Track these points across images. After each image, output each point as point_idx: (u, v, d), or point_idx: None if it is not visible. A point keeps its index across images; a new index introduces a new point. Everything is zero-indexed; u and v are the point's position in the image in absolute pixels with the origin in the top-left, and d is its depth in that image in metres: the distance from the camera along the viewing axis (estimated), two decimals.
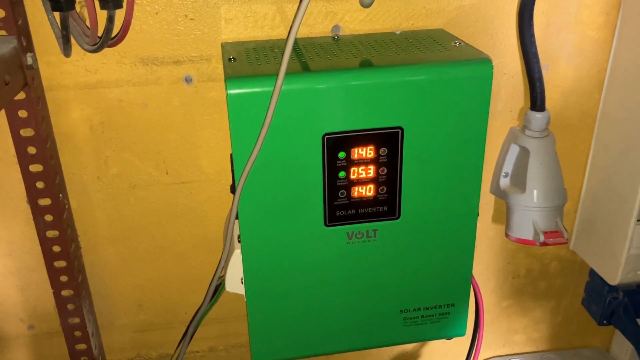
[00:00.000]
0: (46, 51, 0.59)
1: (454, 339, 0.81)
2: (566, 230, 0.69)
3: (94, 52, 0.49)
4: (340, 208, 0.57)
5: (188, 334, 0.69)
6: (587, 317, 0.85)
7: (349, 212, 0.58)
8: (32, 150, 0.60)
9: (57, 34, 0.51)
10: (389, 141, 0.55)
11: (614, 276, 0.73)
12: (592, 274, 0.82)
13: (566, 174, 0.75)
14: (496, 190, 0.74)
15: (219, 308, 0.73)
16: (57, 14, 0.52)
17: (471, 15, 0.65)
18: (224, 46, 0.61)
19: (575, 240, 0.81)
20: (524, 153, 0.70)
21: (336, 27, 0.63)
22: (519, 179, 0.70)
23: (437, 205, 0.59)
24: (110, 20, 0.44)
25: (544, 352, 0.91)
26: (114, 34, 0.50)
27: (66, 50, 0.47)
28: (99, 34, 0.48)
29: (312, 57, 0.57)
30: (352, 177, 0.56)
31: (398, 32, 0.63)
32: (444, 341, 0.84)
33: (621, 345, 0.89)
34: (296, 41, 0.61)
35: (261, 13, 0.61)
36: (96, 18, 0.46)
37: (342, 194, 0.57)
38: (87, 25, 0.51)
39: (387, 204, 0.58)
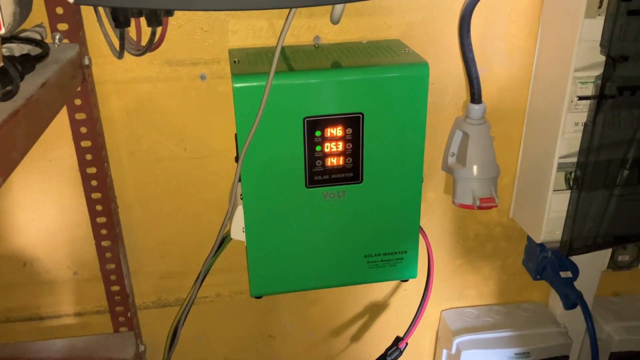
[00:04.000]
0: (95, 54, 0.77)
1: (415, 291, 1.00)
2: (498, 197, 0.87)
3: (138, 56, 0.68)
4: (317, 174, 0.76)
5: (199, 278, 0.87)
6: (528, 276, 1.03)
7: (324, 177, 0.76)
8: (83, 130, 0.79)
9: (109, 43, 0.70)
10: (353, 123, 0.73)
11: (539, 235, 0.91)
12: (529, 238, 1.01)
13: (504, 155, 0.93)
14: (446, 167, 0.92)
15: (224, 260, 0.90)
16: (109, 28, 0.71)
17: (421, 29, 0.83)
18: (230, 52, 0.79)
19: (513, 209, 0.99)
20: (466, 137, 0.87)
21: (317, 38, 0.82)
22: (462, 157, 0.88)
23: (391, 172, 0.77)
24: (153, 34, 0.63)
25: (492, 305, 1.08)
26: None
27: (120, 54, 0.66)
28: (142, 44, 0.67)
29: (296, 60, 0.75)
30: (326, 150, 0.74)
31: (364, 42, 0.82)
32: (407, 290, 1.03)
33: (555, 300, 1.07)
34: (285, 47, 0.80)
35: (258, 27, 0.79)
36: (141, 32, 0.65)
37: (319, 163, 0.75)
38: (130, 36, 0.70)
39: (352, 171, 0.76)
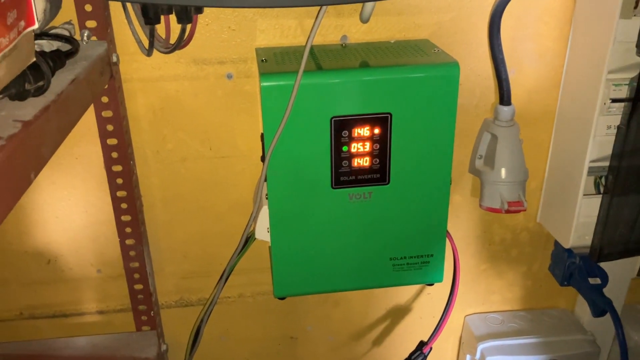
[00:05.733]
0: (122, 52, 0.77)
1: (439, 295, 0.99)
2: (526, 201, 0.86)
3: (166, 53, 0.68)
4: (343, 175, 0.75)
5: (223, 277, 0.86)
6: (554, 282, 1.01)
7: (350, 178, 0.75)
8: (110, 127, 0.79)
9: (137, 40, 0.70)
10: (381, 123, 0.72)
11: (567, 240, 0.89)
12: (556, 243, 0.99)
13: (532, 158, 0.91)
14: (473, 170, 0.91)
15: (247, 261, 0.89)
16: (137, 25, 0.71)
17: (450, 29, 0.82)
18: (257, 50, 0.79)
19: (540, 214, 0.97)
20: (494, 139, 0.86)
21: (344, 37, 0.81)
22: (490, 160, 0.86)
23: (419, 174, 0.76)
24: (183, 31, 0.63)
25: (517, 311, 1.06)
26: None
27: (150, 52, 0.66)
28: (170, 42, 0.67)
29: (324, 59, 0.74)
30: (352, 151, 0.73)
31: (392, 41, 0.81)
32: (430, 294, 1.01)
33: (582, 307, 1.04)
34: (313, 47, 0.79)
35: (286, 26, 0.79)
36: (170, 30, 0.64)
37: (345, 164, 0.74)
38: (158, 34, 0.70)
39: (379, 172, 0.75)
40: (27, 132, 0.45)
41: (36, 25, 0.46)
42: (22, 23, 0.44)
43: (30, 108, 0.49)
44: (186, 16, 0.61)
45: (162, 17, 0.64)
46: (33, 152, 0.46)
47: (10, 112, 0.48)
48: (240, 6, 0.53)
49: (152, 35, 0.63)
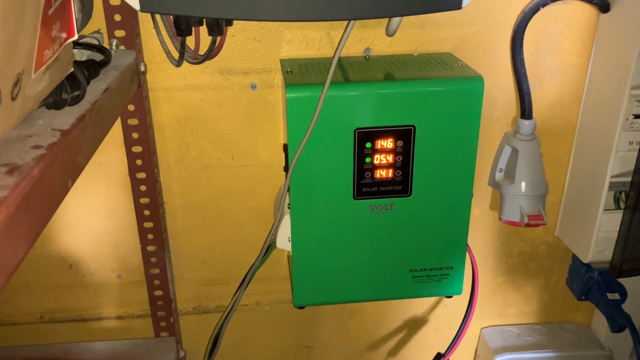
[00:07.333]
0: (149, 61, 0.79)
1: (456, 307, 0.99)
2: (546, 215, 0.86)
3: (196, 64, 0.69)
4: (365, 186, 0.75)
5: (244, 284, 0.87)
6: (571, 296, 1.00)
7: (372, 189, 0.76)
8: (135, 135, 0.80)
9: (166, 50, 0.71)
10: (404, 136, 0.73)
11: (586, 255, 0.89)
12: (574, 257, 0.98)
13: (551, 172, 0.91)
14: (493, 183, 0.91)
15: (265, 270, 0.90)
16: (165, 36, 0.72)
17: (473, 43, 0.83)
18: (282, 62, 0.79)
19: (559, 227, 0.97)
20: (515, 152, 0.86)
21: (368, 49, 0.82)
22: (510, 173, 0.87)
23: (441, 186, 0.76)
24: (214, 43, 0.64)
25: (533, 324, 1.06)
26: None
27: (179, 63, 0.67)
28: (199, 53, 0.68)
29: (348, 71, 0.75)
30: (375, 162, 0.74)
31: (415, 54, 0.82)
32: (447, 306, 1.01)
33: (599, 322, 1.04)
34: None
35: (311, 37, 0.80)
36: (199, 41, 0.65)
37: (368, 175, 0.75)
38: (187, 45, 0.71)
39: (401, 184, 0.76)
40: (66, 141, 0.46)
41: (76, 36, 0.47)
42: (64, 34, 0.45)
43: (66, 117, 0.50)
44: (217, 28, 0.62)
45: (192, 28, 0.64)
46: (70, 160, 0.47)
47: (47, 120, 0.49)
48: (273, 20, 0.54)
49: (182, 47, 0.64)
